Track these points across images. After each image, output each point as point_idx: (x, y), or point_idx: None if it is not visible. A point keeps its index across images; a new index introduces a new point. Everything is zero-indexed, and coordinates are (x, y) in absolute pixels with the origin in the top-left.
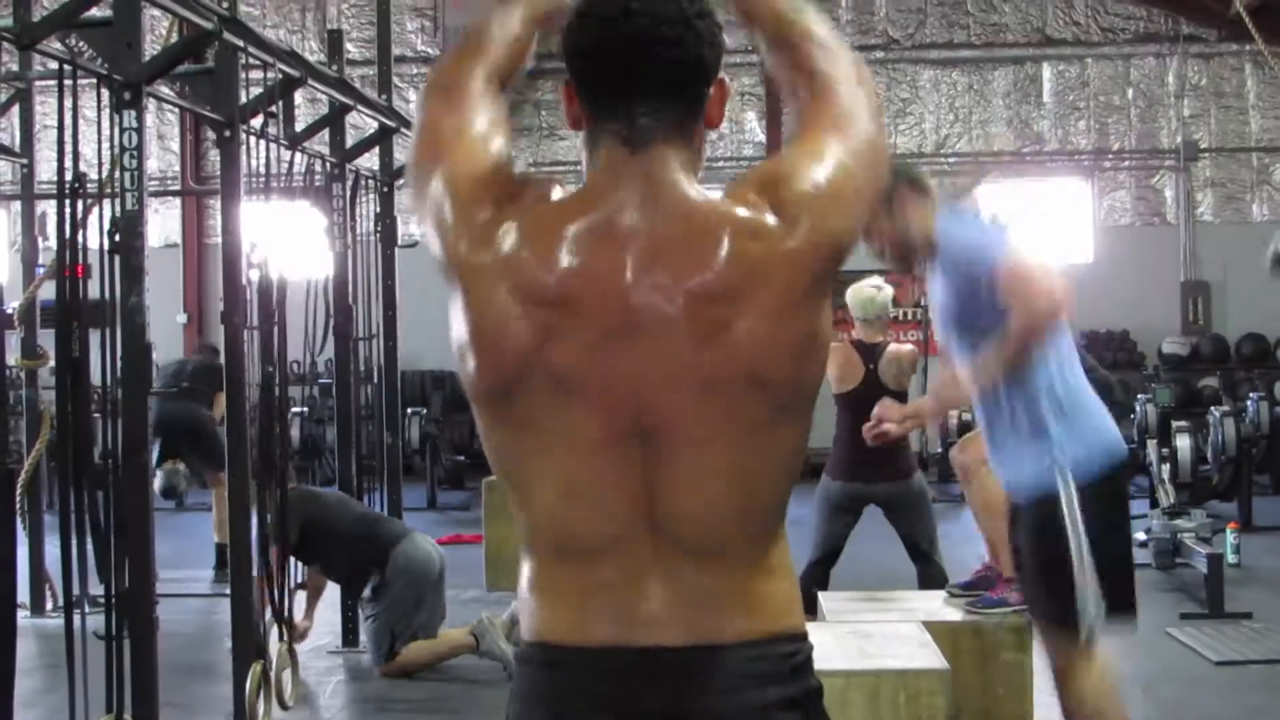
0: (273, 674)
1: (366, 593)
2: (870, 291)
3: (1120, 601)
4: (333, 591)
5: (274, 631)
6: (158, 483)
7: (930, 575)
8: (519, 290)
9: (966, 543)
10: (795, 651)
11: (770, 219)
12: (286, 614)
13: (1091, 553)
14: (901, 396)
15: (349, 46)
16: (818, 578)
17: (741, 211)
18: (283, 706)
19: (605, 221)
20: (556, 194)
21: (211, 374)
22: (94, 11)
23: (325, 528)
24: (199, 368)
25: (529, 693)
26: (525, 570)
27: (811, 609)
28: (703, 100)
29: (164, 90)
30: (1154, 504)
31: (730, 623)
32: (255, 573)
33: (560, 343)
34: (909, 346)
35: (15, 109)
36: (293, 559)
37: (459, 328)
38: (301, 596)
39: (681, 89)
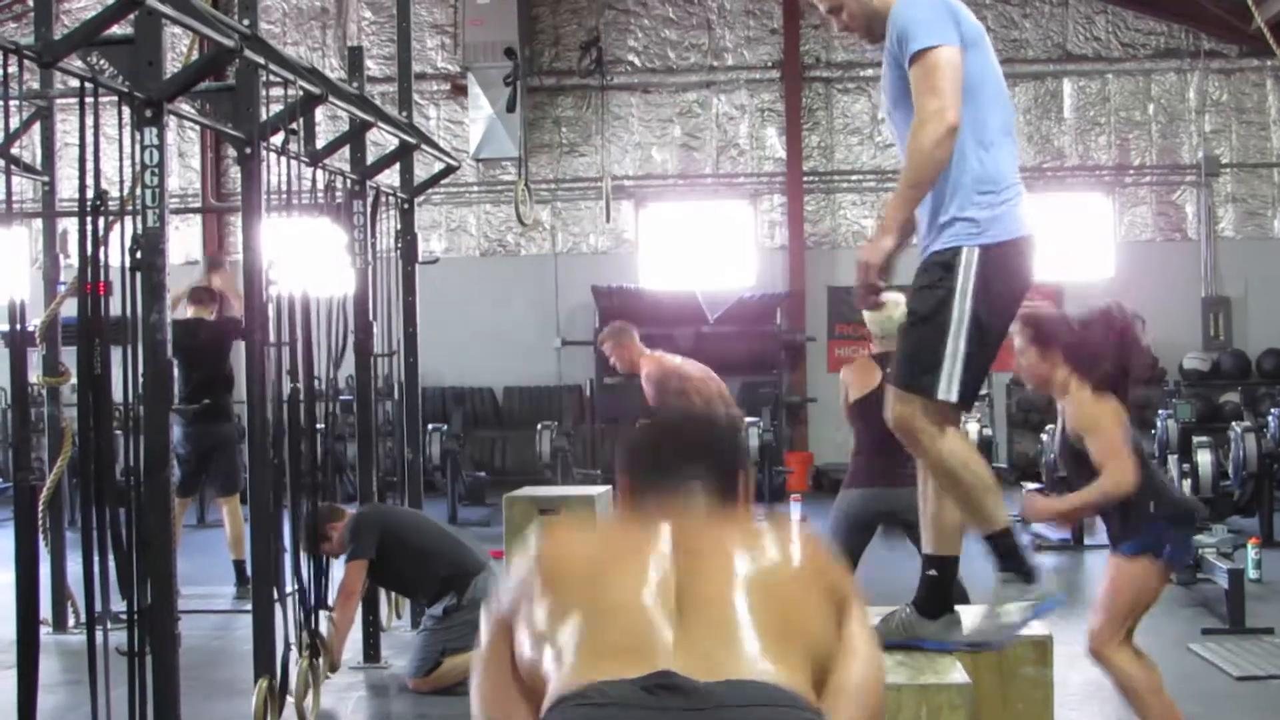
0: (292, 690)
1: (437, 610)
2: (888, 309)
3: (971, 388)
4: None
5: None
6: None
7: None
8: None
9: (977, 559)
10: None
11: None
12: (312, 630)
13: (970, 320)
14: None
15: (369, 64)
16: None
17: (765, 529)
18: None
19: (658, 533)
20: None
21: (227, 335)
22: (115, 29)
23: (409, 546)
24: (217, 379)
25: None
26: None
27: None
28: (735, 482)
29: (185, 108)
30: None
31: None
32: (287, 589)
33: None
34: None
35: (37, 127)
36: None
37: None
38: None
39: (718, 464)
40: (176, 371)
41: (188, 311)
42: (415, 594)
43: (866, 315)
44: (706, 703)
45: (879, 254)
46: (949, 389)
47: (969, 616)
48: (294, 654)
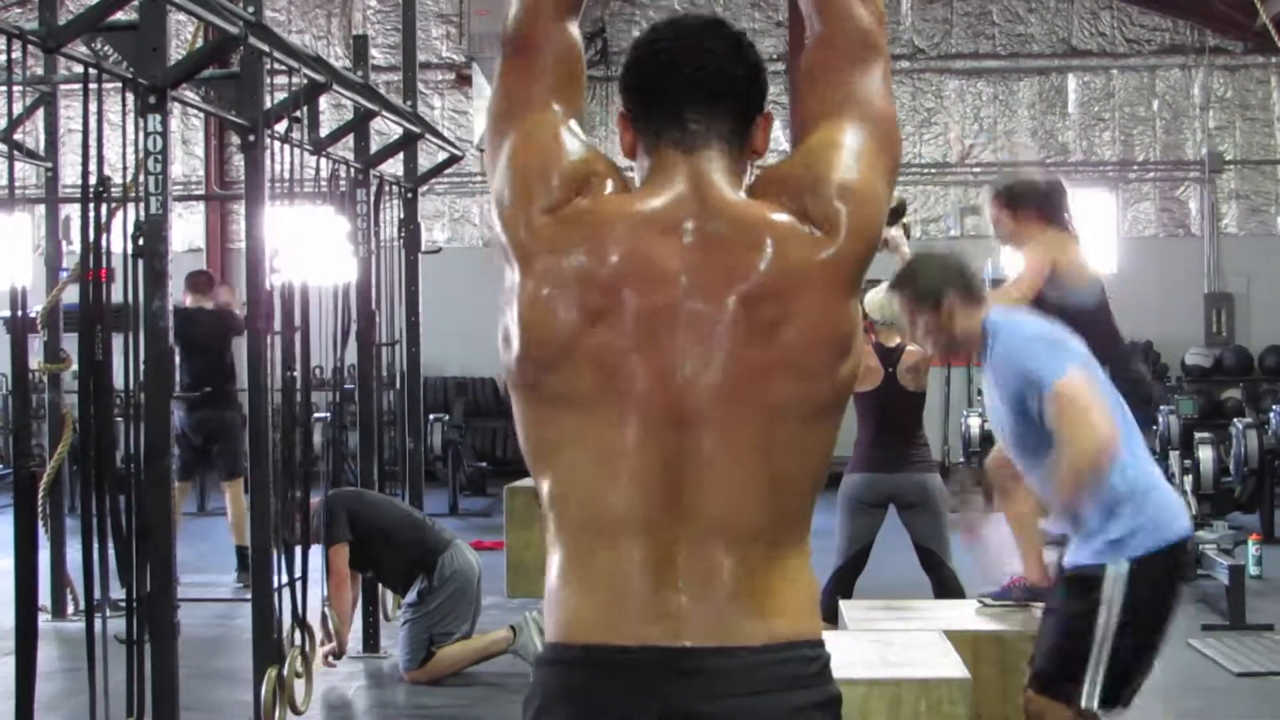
0: (286, 678)
1: (411, 596)
2: (888, 295)
3: (1121, 694)
4: None
5: (298, 635)
6: None
7: (945, 584)
8: (572, 275)
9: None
10: (817, 656)
11: (807, 228)
12: (305, 617)
13: (1115, 637)
14: (919, 397)
15: (374, 52)
16: (843, 586)
17: (782, 218)
18: (294, 710)
19: (658, 216)
20: (617, 182)
21: (227, 328)
22: (119, 16)
23: (374, 526)
24: (218, 366)
25: (551, 692)
26: (552, 564)
27: (833, 618)
28: (749, 121)
29: (189, 95)
30: None
31: (755, 624)
32: (280, 577)
33: (607, 328)
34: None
35: (40, 113)
36: (314, 560)
37: (509, 307)
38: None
39: (730, 99)
40: (177, 359)
41: (186, 300)
42: (385, 575)
43: (867, 301)
44: (708, 671)
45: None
46: (1091, 698)
47: (877, 620)
48: (297, 639)
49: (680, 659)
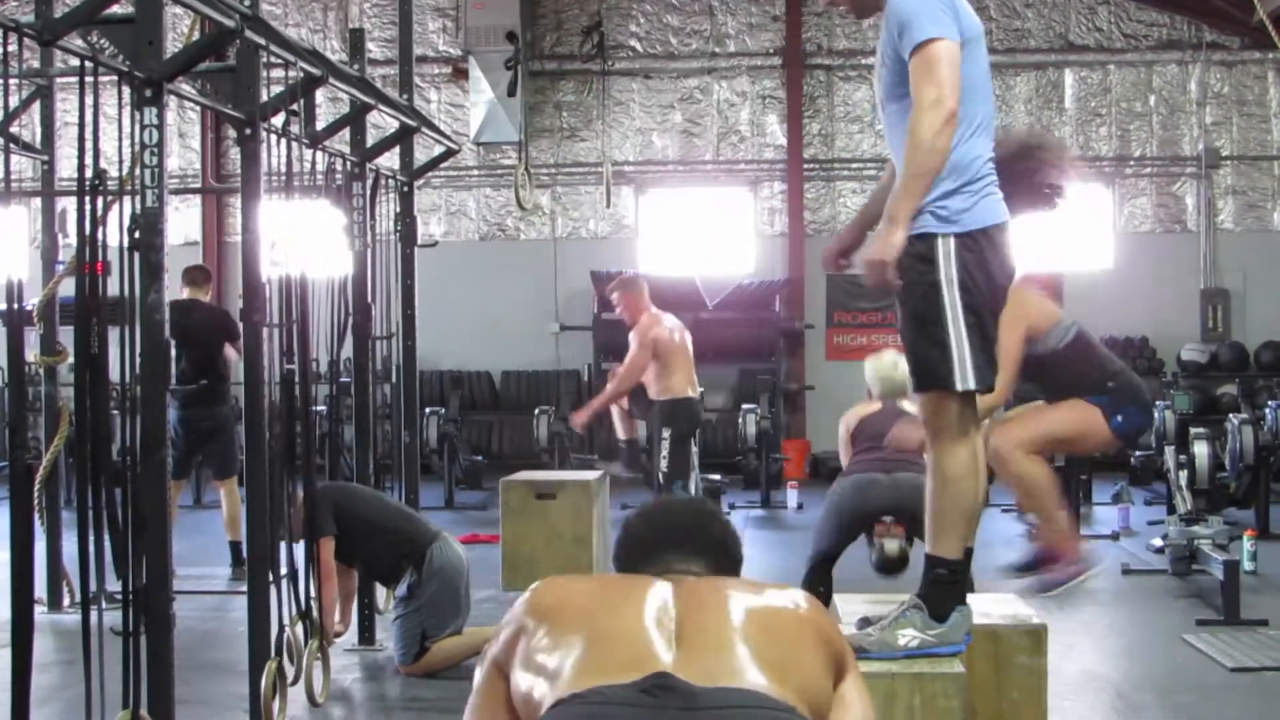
0: (301, 671)
1: (401, 590)
2: (889, 370)
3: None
4: None
5: (299, 628)
6: None
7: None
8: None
9: (981, 548)
10: None
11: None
12: (311, 611)
13: (962, 301)
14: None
15: (370, 46)
16: (820, 575)
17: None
18: (313, 703)
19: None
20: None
21: (223, 327)
22: (116, 9)
23: (359, 519)
24: (213, 360)
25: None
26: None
27: (824, 603)
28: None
29: (185, 88)
30: (1171, 510)
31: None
32: (282, 570)
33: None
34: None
35: (36, 106)
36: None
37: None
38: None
39: (715, 555)
40: (171, 352)
41: (182, 293)
42: (373, 569)
43: (868, 370)
44: (702, 703)
45: (892, 250)
46: (964, 378)
47: (863, 612)
48: (290, 633)
49: (672, 679)
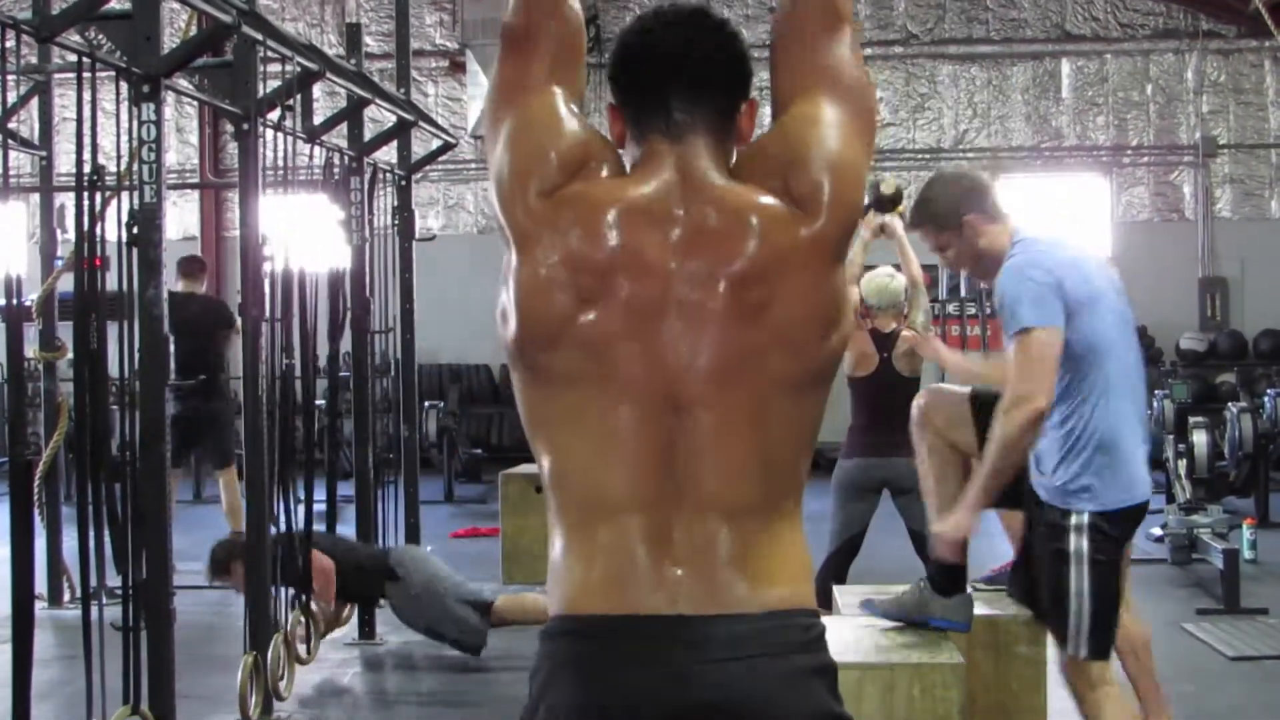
0: (277, 664)
1: (402, 603)
2: (884, 280)
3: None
4: None
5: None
6: None
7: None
8: (567, 259)
9: (983, 539)
10: (813, 624)
11: (790, 207)
12: (295, 604)
13: (1091, 587)
14: (914, 382)
15: (367, 40)
16: (837, 571)
17: (766, 200)
18: (277, 697)
19: (648, 203)
20: (614, 164)
21: (219, 323)
22: (113, 4)
23: (324, 547)
24: (209, 353)
25: (557, 663)
26: (554, 540)
27: (827, 603)
28: (734, 108)
29: (183, 83)
30: (1170, 499)
31: (752, 592)
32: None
33: (600, 311)
34: (918, 333)
35: (34, 102)
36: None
37: (507, 287)
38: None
39: (715, 88)
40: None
41: (178, 285)
42: (352, 591)
43: (864, 285)
44: (714, 653)
45: (960, 533)
46: (1077, 649)
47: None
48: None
49: (680, 627)
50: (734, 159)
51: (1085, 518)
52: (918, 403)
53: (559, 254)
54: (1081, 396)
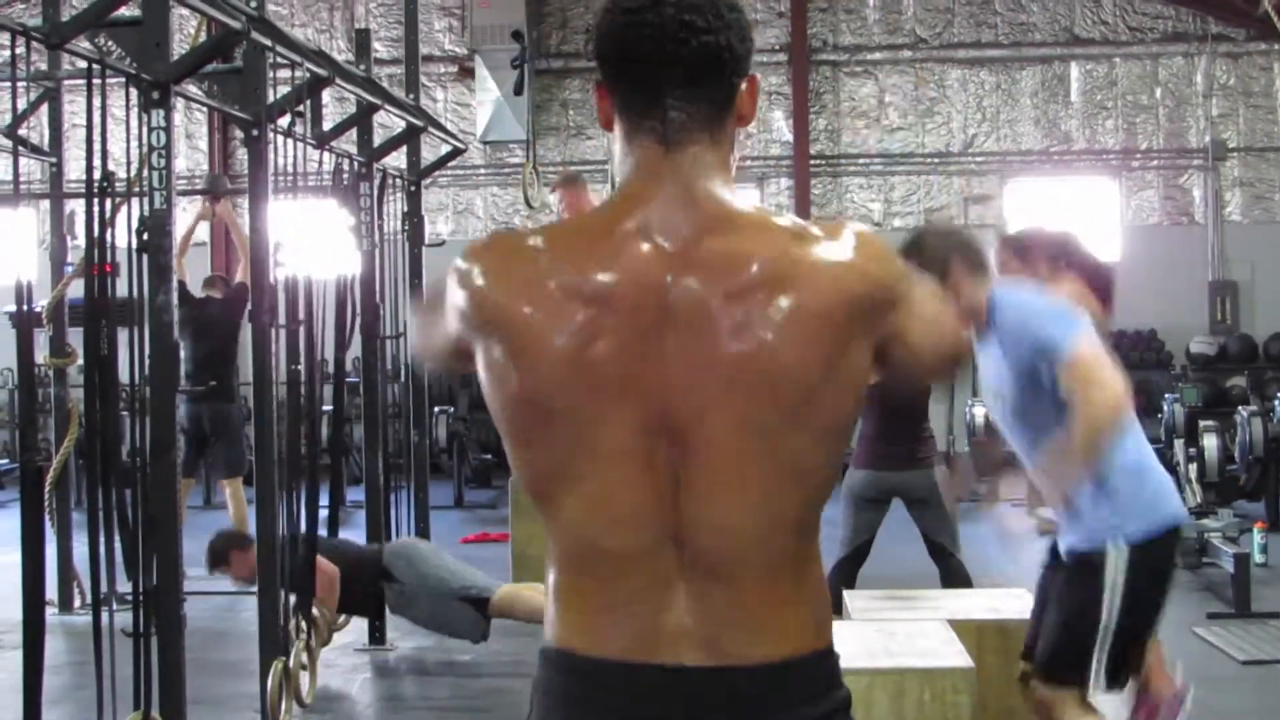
0: (292, 670)
1: (400, 603)
2: None
3: (1122, 673)
4: None
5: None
6: None
7: (953, 574)
8: (557, 299)
9: (989, 545)
10: (819, 668)
11: (807, 239)
12: (306, 611)
13: (1119, 619)
14: (925, 390)
15: (377, 46)
16: (845, 576)
17: (780, 222)
18: (300, 704)
19: (643, 230)
20: (559, 231)
21: (238, 307)
22: (123, 11)
23: (337, 559)
24: (223, 357)
25: (554, 699)
26: (550, 578)
27: (837, 608)
28: (734, 93)
29: (192, 89)
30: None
31: (754, 645)
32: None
33: (598, 342)
34: None
35: (44, 108)
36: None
37: (493, 360)
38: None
39: (712, 77)
40: (182, 349)
41: (200, 293)
42: (350, 603)
43: None
44: (715, 700)
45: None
46: (1097, 682)
47: (880, 610)
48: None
49: (672, 678)
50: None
51: (1124, 549)
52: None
53: (549, 299)
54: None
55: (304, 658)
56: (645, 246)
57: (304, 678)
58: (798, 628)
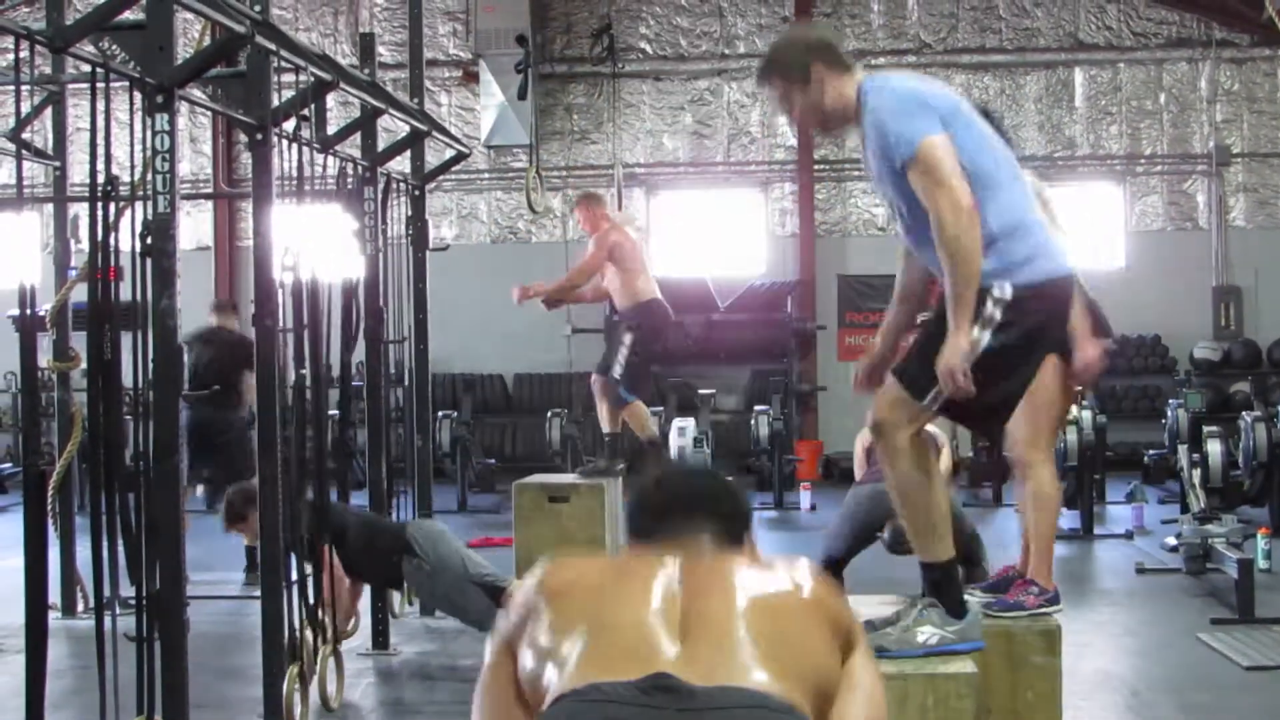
0: (314, 675)
1: (420, 580)
2: None
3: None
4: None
5: (309, 633)
6: None
7: (974, 578)
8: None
9: (998, 548)
10: None
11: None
12: (323, 615)
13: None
14: None
15: (381, 50)
16: (833, 575)
17: (774, 565)
18: (327, 708)
19: (652, 560)
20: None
21: (243, 355)
22: (127, 15)
23: (339, 518)
24: (224, 362)
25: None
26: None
27: None
28: (740, 540)
29: (196, 93)
30: (1185, 509)
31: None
32: (293, 575)
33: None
34: None
35: (48, 112)
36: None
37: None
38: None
39: (722, 520)
40: (189, 358)
41: (211, 319)
42: (370, 572)
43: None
44: (700, 704)
45: (960, 356)
46: (933, 403)
47: (872, 614)
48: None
49: (673, 680)
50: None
51: (1007, 288)
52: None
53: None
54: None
55: (335, 662)
56: (666, 568)
57: (316, 683)
58: None
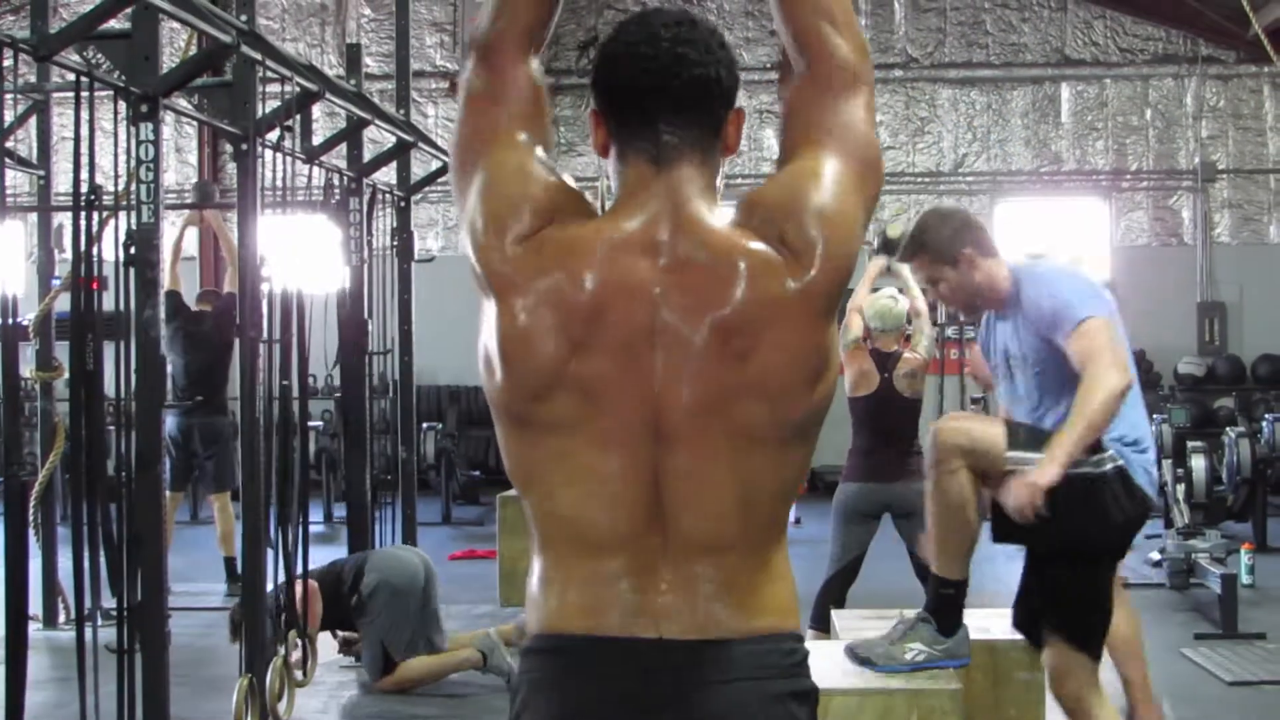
0: (278, 686)
1: (355, 611)
2: (888, 303)
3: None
4: None
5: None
6: None
7: None
8: (551, 305)
9: (982, 562)
10: (795, 650)
11: (782, 257)
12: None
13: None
14: (916, 404)
15: (367, 61)
16: (835, 594)
17: (756, 246)
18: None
19: (634, 241)
20: (586, 210)
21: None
22: (112, 24)
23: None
24: (212, 369)
25: (536, 682)
26: (535, 569)
27: (825, 626)
28: (721, 122)
29: (181, 103)
30: (1169, 524)
31: (736, 619)
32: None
33: (588, 354)
34: (921, 356)
35: (32, 120)
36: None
37: (489, 339)
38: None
39: (703, 107)
40: (174, 361)
41: (195, 306)
42: (334, 620)
43: (867, 307)
44: (692, 683)
45: (1046, 483)
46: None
47: (868, 629)
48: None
49: (661, 650)
50: (737, 205)
51: (1110, 468)
52: (936, 426)
53: (544, 299)
54: None
55: (287, 674)
56: (637, 264)
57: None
58: (775, 609)
